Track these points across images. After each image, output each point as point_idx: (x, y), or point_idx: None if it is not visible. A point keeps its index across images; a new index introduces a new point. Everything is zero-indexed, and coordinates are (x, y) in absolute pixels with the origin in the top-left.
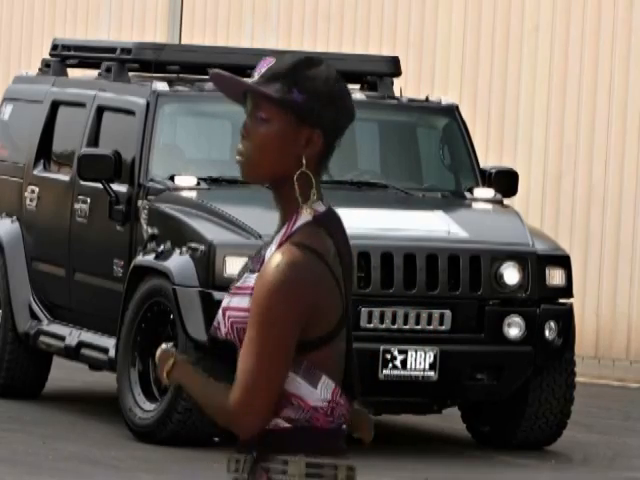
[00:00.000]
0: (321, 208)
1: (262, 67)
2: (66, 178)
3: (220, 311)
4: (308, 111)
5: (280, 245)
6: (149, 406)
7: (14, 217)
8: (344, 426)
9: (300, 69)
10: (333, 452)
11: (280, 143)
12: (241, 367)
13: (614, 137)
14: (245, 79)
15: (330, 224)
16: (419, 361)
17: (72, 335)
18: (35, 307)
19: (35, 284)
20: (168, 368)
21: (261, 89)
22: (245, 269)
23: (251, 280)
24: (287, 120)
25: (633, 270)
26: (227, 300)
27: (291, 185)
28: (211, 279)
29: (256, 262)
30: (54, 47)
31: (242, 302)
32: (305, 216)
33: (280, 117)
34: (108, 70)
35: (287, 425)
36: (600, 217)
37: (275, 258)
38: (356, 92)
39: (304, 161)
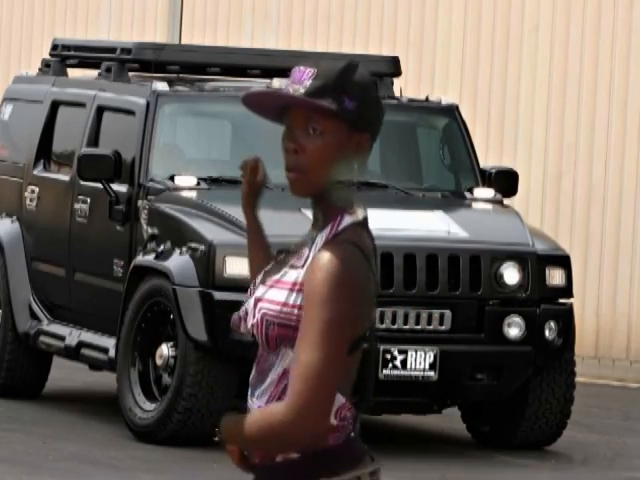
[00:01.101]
0: (363, 212)
1: (303, 78)
2: (66, 178)
3: (251, 301)
4: (360, 117)
5: (327, 243)
6: (149, 406)
7: (14, 217)
8: (352, 434)
9: (346, 76)
10: (351, 464)
11: (337, 153)
12: (303, 362)
13: (614, 137)
14: (291, 94)
15: (369, 228)
16: (419, 361)
17: (72, 335)
18: (35, 307)
19: (35, 284)
20: (218, 436)
21: (317, 102)
22: (281, 264)
23: (292, 276)
24: (341, 129)
25: (633, 270)
26: (262, 291)
27: (337, 190)
28: (211, 279)
29: (298, 258)
30: (54, 47)
31: (279, 296)
32: (350, 218)
33: (334, 128)
34: (108, 70)
35: (295, 455)
36: (600, 217)
37: (326, 254)
38: None
39: (355, 166)
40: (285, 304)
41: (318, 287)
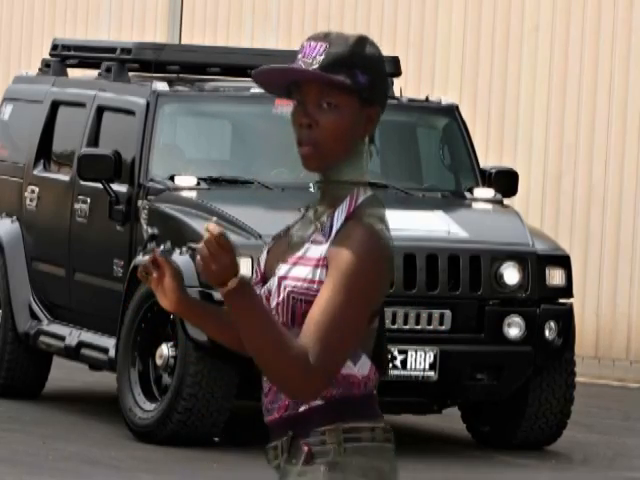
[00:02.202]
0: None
1: (315, 53)
2: (66, 178)
3: (274, 280)
4: (372, 91)
5: (349, 217)
6: (149, 406)
7: (14, 217)
8: (375, 392)
9: (359, 50)
10: (368, 416)
11: (350, 127)
12: (321, 320)
13: (614, 137)
14: (307, 69)
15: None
16: (419, 361)
17: (72, 335)
18: (35, 307)
19: (35, 284)
20: (232, 283)
21: (334, 77)
22: (298, 241)
23: (316, 252)
24: (354, 103)
25: (633, 270)
26: (285, 269)
27: (349, 165)
28: None
29: (317, 234)
30: (54, 47)
31: (303, 272)
32: (364, 192)
33: (347, 102)
34: (108, 70)
35: (320, 402)
36: (600, 217)
37: (358, 227)
38: None
39: (366, 140)
40: (311, 280)
41: (351, 257)
